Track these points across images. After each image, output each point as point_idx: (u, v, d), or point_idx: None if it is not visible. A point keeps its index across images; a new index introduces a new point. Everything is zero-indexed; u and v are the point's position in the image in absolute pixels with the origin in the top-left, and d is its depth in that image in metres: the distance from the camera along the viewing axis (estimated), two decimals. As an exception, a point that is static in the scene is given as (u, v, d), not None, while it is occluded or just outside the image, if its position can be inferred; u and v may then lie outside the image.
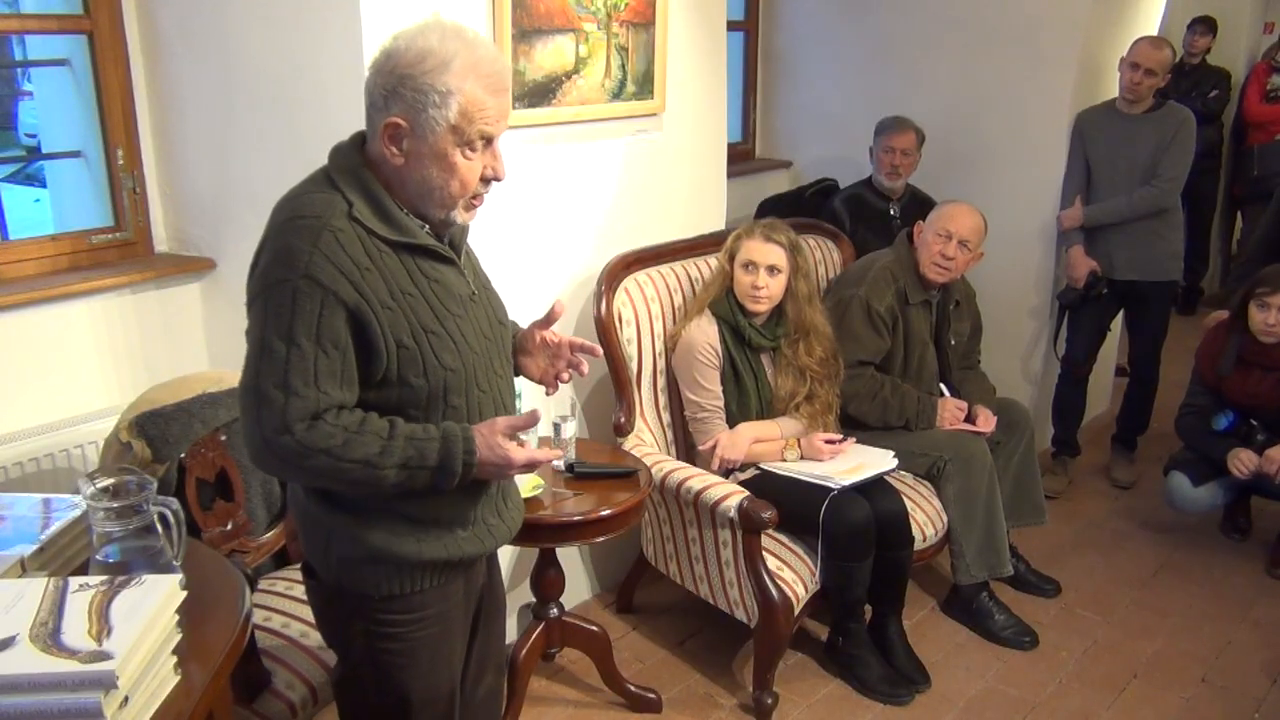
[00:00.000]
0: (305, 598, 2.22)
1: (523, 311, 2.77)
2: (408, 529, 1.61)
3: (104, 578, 1.41)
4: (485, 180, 1.57)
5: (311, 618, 2.15)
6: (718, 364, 2.87)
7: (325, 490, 1.60)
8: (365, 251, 1.50)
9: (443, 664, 1.74)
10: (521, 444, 1.60)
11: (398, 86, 1.48)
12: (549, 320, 1.79)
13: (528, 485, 2.38)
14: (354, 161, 1.55)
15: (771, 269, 2.83)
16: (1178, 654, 3.03)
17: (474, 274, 1.70)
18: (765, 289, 2.83)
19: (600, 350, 1.86)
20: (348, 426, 1.49)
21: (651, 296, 3.00)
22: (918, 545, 2.90)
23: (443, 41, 1.48)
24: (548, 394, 1.87)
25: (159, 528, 1.53)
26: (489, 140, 1.54)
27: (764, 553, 2.66)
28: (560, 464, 2.57)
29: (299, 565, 2.39)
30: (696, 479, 2.72)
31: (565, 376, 1.81)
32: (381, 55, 1.51)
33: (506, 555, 2.92)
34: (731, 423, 2.88)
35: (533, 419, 1.58)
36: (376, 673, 1.69)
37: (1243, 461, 3.34)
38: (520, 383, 1.88)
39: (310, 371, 1.46)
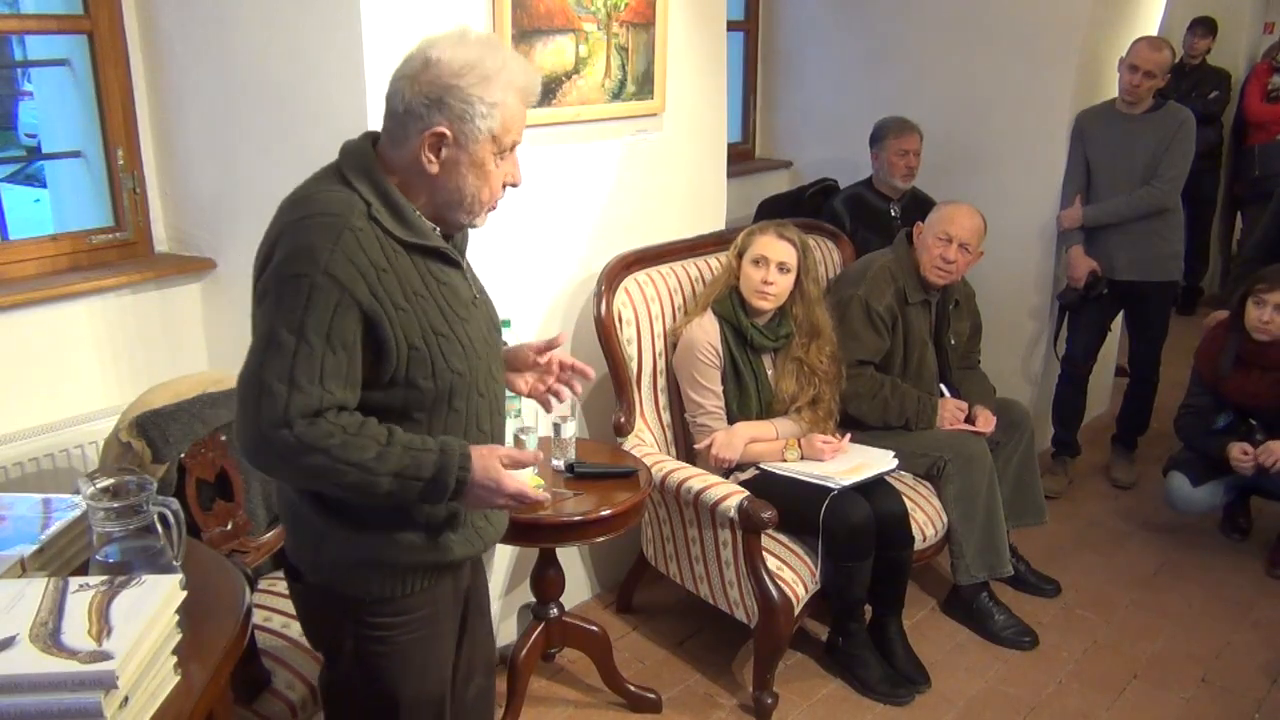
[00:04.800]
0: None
1: (523, 312, 2.79)
2: (400, 531, 1.61)
3: (104, 578, 1.40)
4: (504, 186, 1.62)
5: (311, 618, 2.16)
6: (718, 364, 2.87)
7: (319, 493, 1.60)
8: (382, 252, 1.51)
9: (433, 666, 1.74)
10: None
11: (444, 96, 1.50)
12: (549, 347, 1.84)
13: (528, 485, 2.38)
14: (368, 161, 1.56)
15: (781, 266, 2.83)
16: (1178, 654, 3.03)
17: (473, 280, 1.71)
18: (774, 285, 2.83)
19: (592, 373, 1.89)
20: (346, 427, 1.48)
21: (651, 296, 3.00)
22: (918, 545, 2.89)
23: (485, 52, 1.52)
24: (546, 411, 1.91)
25: (159, 528, 1.53)
26: (514, 148, 1.59)
27: (764, 553, 2.66)
28: (560, 464, 2.57)
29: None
30: (696, 479, 2.72)
31: (563, 396, 1.86)
32: (420, 64, 1.52)
33: (506, 555, 2.92)
34: (731, 423, 2.89)
35: (534, 458, 1.60)
36: (366, 675, 1.68)
37: (1240, 450, 3.34)
38: None
39: (316, 369, 1.45)
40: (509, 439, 2.34)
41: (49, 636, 1.27)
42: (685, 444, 3.03)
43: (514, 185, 1.63)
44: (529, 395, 1.85)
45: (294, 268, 1.46)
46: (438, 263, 1.59)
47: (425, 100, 1.51)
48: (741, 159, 4.64)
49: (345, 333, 1.47)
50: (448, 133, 1.51)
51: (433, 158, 1.53)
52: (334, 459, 1.46)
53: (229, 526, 2.26)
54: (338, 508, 1.59)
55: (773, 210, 4.00)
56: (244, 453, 1.52)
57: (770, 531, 2.67)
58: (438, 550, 1.65)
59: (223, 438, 2.26)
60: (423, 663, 1.71)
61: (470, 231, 1.72)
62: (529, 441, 2.50)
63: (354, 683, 1.70)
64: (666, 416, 3.03)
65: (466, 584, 1.83)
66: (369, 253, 1.49)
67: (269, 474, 1.56)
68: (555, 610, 2.64)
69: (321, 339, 1.45)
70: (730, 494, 2.64)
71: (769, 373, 2.96)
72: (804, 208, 4.05)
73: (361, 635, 1.66)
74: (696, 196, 3.31)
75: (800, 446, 2.88)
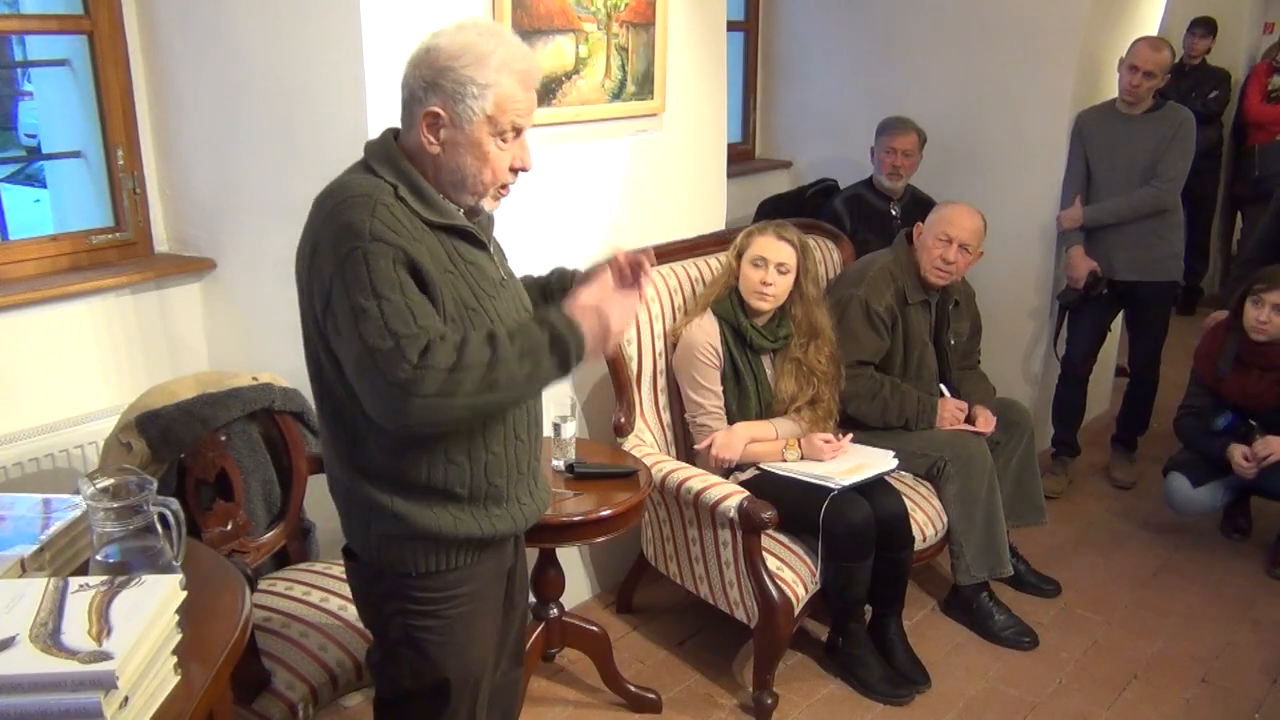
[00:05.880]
0: (305, 598, 2.24)
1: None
2: (445, 505, 1.65)
3: (104, 578, 1.40)
4: (513, 170, 1.66)
5: (310, 618, 2.17)
6: (718, 364, 2.87)
7: (366, 468, 1.64)
8: (412, 228, 1.57)
9: (476, 642, 1.77)
10: None
11: (438, 79, 1.57)
12: (635, 261, 1.75)
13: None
14: (390, 152, 1.63)
15: (780, 266, 2.83)
16: (1178, 654, 3.03)
17: (501, 262, 1.77)
18: (773, 286, 2.83)
19: (652, 254, 1.78)
20: (455, 346, 1.53)
21: (651, 296, 2.99)
22: (918, 545, 2.89)
23: (480, 38, 1.59)
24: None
25: (159, 528, 1.53)
26: (519, 132, 1.64)
27: (764, 553, 2.66)
28: (560, 464, 2.57)
29: (300, 565, 2.41)
30: (696, 479, 2.72)
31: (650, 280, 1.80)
32: (422, 50, 1.60)
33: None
34: (731, 423, 2.88)
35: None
36: (413, 652, 1.73)
37: (1242, 454, 3.34)
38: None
39: (407, 315, 1.51)
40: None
41: (49, 636, 1.27)
42: (685, 444, 3.03)
43: (523, 170, 1.68)
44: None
45: (344, 245, 1.52)
46: (463, 242, 1.65)
47: (423, 83, 1.59)
48: (741, 159, 4.64)
49: (408, 283, 1.53)
50: (442, 113, 1.58)
51: (432, 139, 1.60)
52: (467, 370, 1.51)
53: (229, 526, 2.26)
54: (385, 484, 1.63)
55: (773, 210, 4.00)
56: (387, 417, 1.54)
57: (770, 531, 2.67)
58: (481, 525, 1.69)
59: (222, 438, 2.26)
60: (467, 638, 1.75)
61: (495, 218, 1.76)
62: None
63: (402, 660, 1.74)
64: (666, 416, 3.03)
65: (510, 564, 1.86)
66: (403, 225, 1.55)
67: (424, 424, 1.55)
68: (555, 610, 2.64)
69: (396, 291, 1.51)
70: (730, 494, 2.64)
71: (768, 373, 2.96)
72: (804, 208, 4.05)
73: (409, 611, 1.70)
74: (696, 196, 3.31)
75: (800, 446, 2.88)
